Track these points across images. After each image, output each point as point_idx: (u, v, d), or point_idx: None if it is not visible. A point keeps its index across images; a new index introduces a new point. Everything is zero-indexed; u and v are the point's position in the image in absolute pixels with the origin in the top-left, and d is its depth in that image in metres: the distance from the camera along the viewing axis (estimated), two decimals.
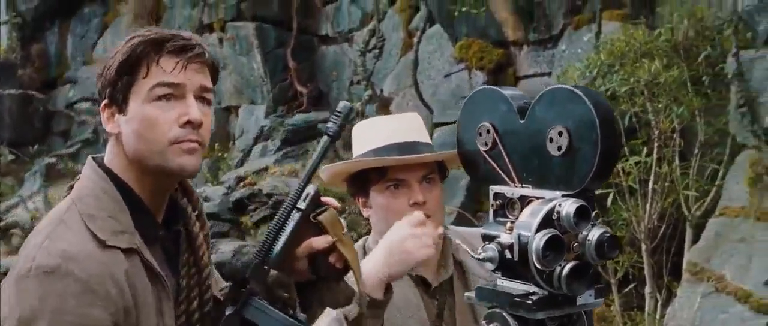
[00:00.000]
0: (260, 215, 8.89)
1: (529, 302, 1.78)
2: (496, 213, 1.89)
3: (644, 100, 6.06)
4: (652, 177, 6.04)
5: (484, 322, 1.85)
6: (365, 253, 2.41)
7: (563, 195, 1.78)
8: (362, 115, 9.13)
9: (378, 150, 2.43)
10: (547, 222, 1.76)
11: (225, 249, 8.21)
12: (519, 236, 1.77)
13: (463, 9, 8.14)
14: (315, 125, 10.28)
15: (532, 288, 1.79)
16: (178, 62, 1.81)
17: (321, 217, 1.88)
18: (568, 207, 1.75)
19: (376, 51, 10.17)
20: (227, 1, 11.28)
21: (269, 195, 8.91)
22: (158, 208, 1.87)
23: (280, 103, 11.05)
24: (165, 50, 1.81)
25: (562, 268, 1.76)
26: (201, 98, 1.84)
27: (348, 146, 2.58)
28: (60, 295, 1.70)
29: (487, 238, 1.84)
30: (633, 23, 6.83)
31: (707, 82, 6.18)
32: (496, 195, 1.89)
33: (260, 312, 1.81)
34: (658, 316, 6.00)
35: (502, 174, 1.89)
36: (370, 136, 2.46)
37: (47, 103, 13.48)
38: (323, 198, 1.90)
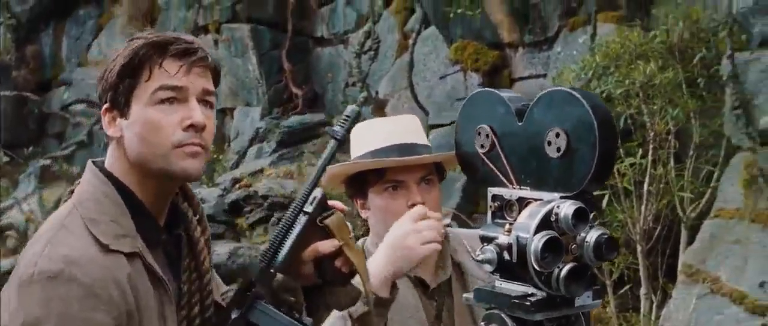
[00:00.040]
0: (256, 217, 8.90)
1: (528, 303, 1.79)
2: (494, 215, 1.89)
3: (639, 102, 6.07)
4: (647, 179, 6.05)
5: (482, 323, 1.86)
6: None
7: (561, 197, 1.79)
8: (358, 118, 9.14)
9: (376, 151, 2.44)
10: (545, 223, 1.76)
11: (220, 251, 8.21)
12: (517, 238, 1.78)
13: (459, 11, 8.15)
14: (310, 127, 10.28)
15: (531, 290, 1.80)
16: (181, 66, 1.80)
17: (328, 221, 1.87)
18: (567, 209, 1.75)
19: (372, 53, 10.18)
20: (222, 2, 11.28)
21: (265, 197, 8.92)
22: (160, 212, 1.86)
23: (276, 104, 11.05)
24: (168, 53, 1.80)
25: (561, 270, 1.76)
26: (204, 101, 1.83)
27: (346, 148, 2.58)
28: (63, 300, 1.69)
29: (486, 240, 1.85)
30: (628, 25, 6.84)
31: (702, 84, 6.20)
32: (495, 197, 1.90)
33: (266, 316, 1.81)
34: (653, 317, 6.01)
35: (501, 175, 1.90)
36: (369, 137, 2.47)
37: (42, 105, 13.45)
38: (330, 202, 1.89)
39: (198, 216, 1.92)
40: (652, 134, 6.05)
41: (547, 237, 1.74)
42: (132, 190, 1.82)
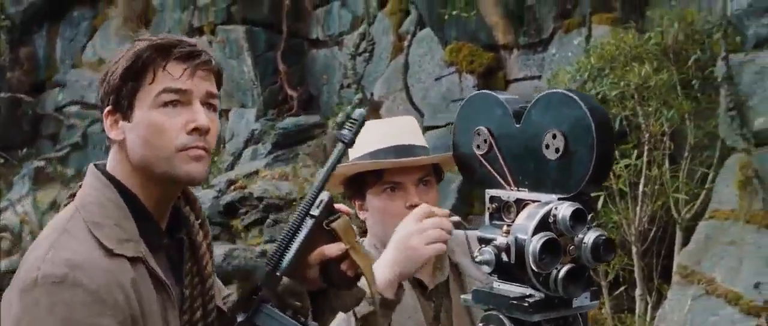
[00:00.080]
0: (251, 218, 8.89)
1: (526, 304, 1.80)
2: (492, 217, 1.90)
3: (634, 104, 6.09)
4: (642, 180, 6.06)
5: (480, 324, 1.87)
6: None
7: (559, 199, 1.80)
8: None
9: (374, 153, 2.44)
10: (543, 225, 1.77)
11: (215, 252, 8.19)
12: (516, 239, 1.79)
13: (454, 12, 8.15)
14: (305, 128, 10.28)
15: (529, 291, 1.81)
16: (185, 69, 1.79)
17: (334, 225, 1.86)
18: (564, 210, 1.76)
19: (367, 54, 10.18)
20: (217, 4, 11.27)
21: (260, 199, 8.91)
22: (162, 216, 1.85)
23: (271, 106, 11.04)
24: (172, 56, 1.79)
25: (559, 271, 1.77)
26: (207, 104, 1.82)
27: None
28: (68, 305, 1.67)
29: (484, 241, 1.86)
30: (623, 27, 6.85)
31: (697, 86, 6.21)
32: (493, 199, 1.91)
33: (272, 319, 1.80)
34: (648, 318, 6.02)
35: (498, 177, 1.90)
36: (366, 139, 2.45)
37: (36, 107, 13.42)
38: (336, 206, 1.88)
39: (200, 220, 1.91)
40: (647, 136, 6.06)
41: (546, 238, 1.75)
42: (134, 194, 1.81)
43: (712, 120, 6.18)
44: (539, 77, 7.92)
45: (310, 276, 1.89)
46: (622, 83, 6.08)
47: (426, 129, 8.43)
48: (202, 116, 1.79)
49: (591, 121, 1.77)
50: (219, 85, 1.87)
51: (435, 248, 2.26)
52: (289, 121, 10.52)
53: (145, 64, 1.79)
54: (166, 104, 1.78)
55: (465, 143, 1.96)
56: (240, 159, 10.54)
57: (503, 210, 1.89)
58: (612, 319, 6.24)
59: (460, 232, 2.31)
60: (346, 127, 1.88)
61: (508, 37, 8.23)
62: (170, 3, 11.99)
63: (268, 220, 8.75)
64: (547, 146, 1.81)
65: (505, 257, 1.80)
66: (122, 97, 1.80)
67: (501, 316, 1.83)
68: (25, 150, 12.98)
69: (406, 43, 9.32)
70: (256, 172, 9.66)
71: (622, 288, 6.28)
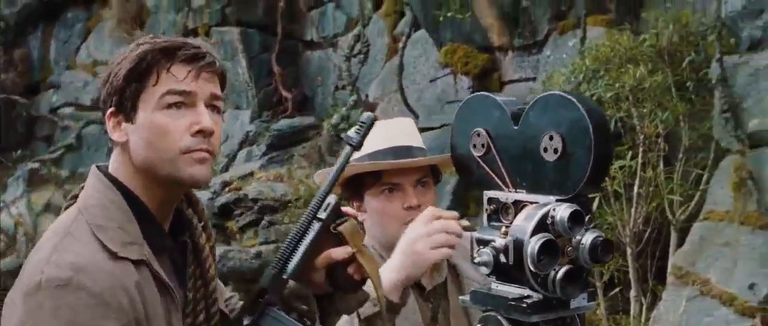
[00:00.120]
0: (246, 220, 8.88)
1: (524, 305, 1.80)
2: (490, 218, 1.90)
3: (629, 105, 6.10)
4: (637, 182, 6.07)
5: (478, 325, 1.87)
6: None
7: (557, 200, 1.80)
8: (348, 121, 9.15)
9: (373, 154, 2.44)
10: (541, 226, 1.78)
11: None
12: (514, 240, 1.79)
13: (448, 14, 8.16)
14: (300, 130, 10.28)
15: (527, 292, 1.81)
16: (190, 70, 1.78)
17: (341, 228, 1.86)
18: (563, 211, 1.77)
19: (361, 56, 10.18)
20: (212, 6, 11.27)
21: (255, 201, 8.90)
22: (165, 218, 1.83)
23: (265, 107, 11.04)
24: (177, 58, 1.78)
25: (557, 272, 1.78)
26: (211, 106, 1.81)
27: (341, 151, 2.59)
28: (72, 308, 1.66)
29: (482, 243, 1.86)
30: (618, 29, 6.86)
31: (691, 88, 6.22)
32: (491, 200, 1.91)
33: (278, 322, 1.79)
34: (643, 319, 6.03)
35: (496, 179, 1.91)
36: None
37: (30, 108, 13.40)
38: (343, 209, 1.88)
39: (203, 223, 1.90)
40: (641, 137, 6.07)
41: (544, 239, 1.76)
42: (137, 196, 1.80)
43: (706, 121, 6.19)
44: (534, 79, 7.93)
45: (317, 279, 1.89)
46: (616, 85, 6.09)
47: (421, 130, 8.36)
48: (206, 118, 1.78)
49: (589, 123, 1.77)
50: (223, 87, 1.85)
51: (441, 253, 2.26)
52: (283, 123, 10.53)
53: (149, 66, 1.77)
54: (170, 106, 1.77)
55: (463, 145, 1.97)
56: (235, 160, 10.54)
57: (501, 212, 1.89)
58: (607, 320, 6.25)
59: (466, 235, 2.31)
60: (355, 130, 1.88)
61: (502, 39, 8.24)
62: (165, 5, 11.98)
63: (263, 222, 8.75)
64: (545, 148, 1.82)
65: (503, 258, 1.80)
66: (125, 98, 1.79)
67: (499, 317, 1.83)
68: (19, 151, 12.97)
69: (400, 45, 9.33)
70: (251, 174, 9.66)
71: (616, 290, 6.29)
